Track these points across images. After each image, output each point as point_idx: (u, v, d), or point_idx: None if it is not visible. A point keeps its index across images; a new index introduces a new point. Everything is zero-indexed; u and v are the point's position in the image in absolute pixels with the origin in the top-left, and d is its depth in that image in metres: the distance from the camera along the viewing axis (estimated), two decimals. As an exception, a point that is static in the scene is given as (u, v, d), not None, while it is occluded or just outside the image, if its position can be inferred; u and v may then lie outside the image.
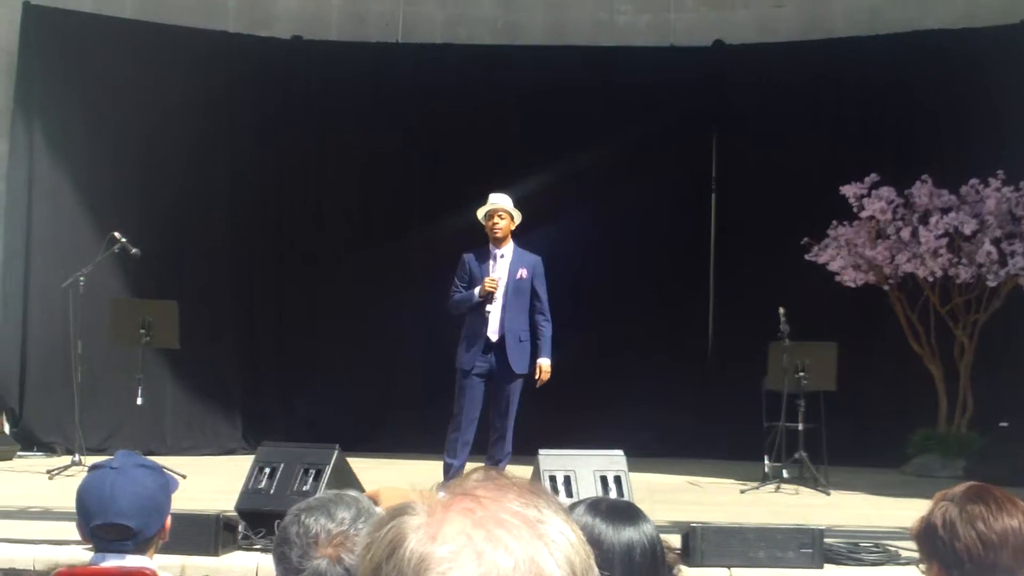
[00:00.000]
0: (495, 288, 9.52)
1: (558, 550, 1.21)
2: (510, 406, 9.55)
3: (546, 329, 9.72)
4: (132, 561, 3.50)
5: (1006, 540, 2.89)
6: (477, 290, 9.55)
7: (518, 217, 9.77)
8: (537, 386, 9.66)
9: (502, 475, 1.30)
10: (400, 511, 1.25)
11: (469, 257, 9.84)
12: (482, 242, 9.84)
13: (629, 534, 2.73)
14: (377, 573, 1.22)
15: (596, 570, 1.26)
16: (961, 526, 2.90)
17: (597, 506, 2.80)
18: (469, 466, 8.99)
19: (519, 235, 9.95)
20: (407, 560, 1.20)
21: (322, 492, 4.42)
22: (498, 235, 9.64)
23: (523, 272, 9.65)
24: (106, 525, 3.49)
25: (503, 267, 9.65)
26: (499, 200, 9.76)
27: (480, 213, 9.80)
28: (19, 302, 12.79)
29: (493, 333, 9.55)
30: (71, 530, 3.66)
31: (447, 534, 1.20)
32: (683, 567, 3.18)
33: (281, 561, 3.05)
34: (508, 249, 9.72)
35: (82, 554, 3.70)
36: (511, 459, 9.53)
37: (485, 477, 1.29)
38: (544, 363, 9.66)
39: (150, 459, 3.72)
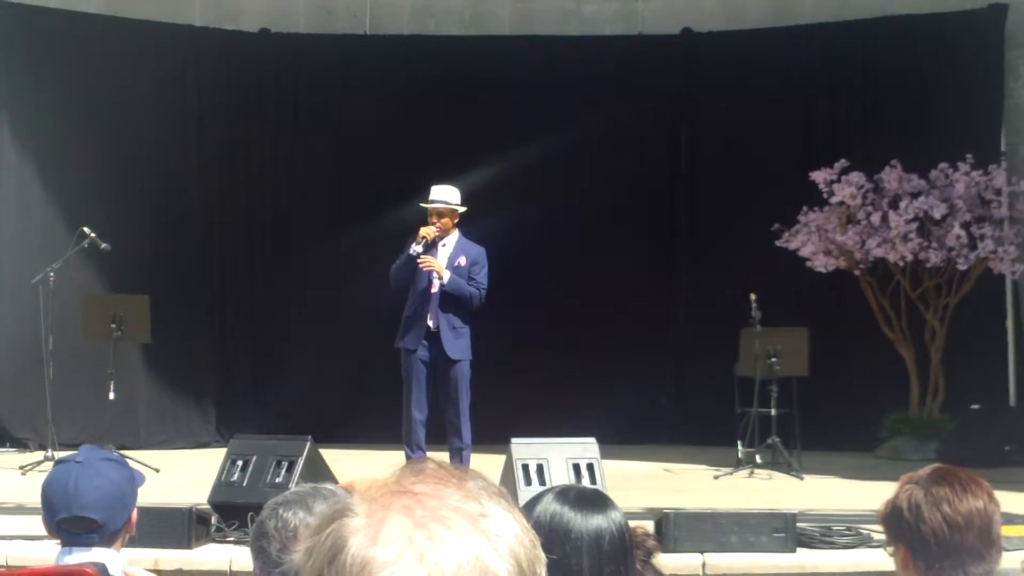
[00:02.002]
0: (430, 236, 9.32)
1: (502, 544, 1.21)
2: (459, 394, 9.38)
3: (470, 286, 9.42)
4: (98, 555, 3.50)
5: (971, 522, 2.89)
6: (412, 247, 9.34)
7: (462, 208, 9.61)
8: (420, 256, 9.34)
9: (441, 467, 1.29)
10: (339, 512, 1.25)
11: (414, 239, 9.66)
12: None
13: (597, 521, 2.74)
14: None
15: (543, 557, 1.26)
16: (927, 508, 2.90)
17: (565, 494, 2.81)
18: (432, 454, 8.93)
19: (485, 219, 9.87)
20: (349, 565, 1.19)
21: (298, 485, 4.43)
22: (436, 234, 9.47)
23: (461, 260, 9.48)
24: (71, 519, 3.49)
25: (443, 256, 9.49)
26: (439, 196, 9.58)
27: (424, 205, 9.71)
28: (-12, 298, 12.71)
29: (431, 321, 9.40)
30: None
31: (388, 536, 1.20)
32: (659, 554, 3.19)
33: (259, 555, 3.04)
34: (451, 239, 9.57)
35: (54, 549, 3.69)
36: (476, 448, 9.44)
37: (425, 471, 1.28)
38: (445, 272, 9.34)
39: (116, 452, 3.72)
